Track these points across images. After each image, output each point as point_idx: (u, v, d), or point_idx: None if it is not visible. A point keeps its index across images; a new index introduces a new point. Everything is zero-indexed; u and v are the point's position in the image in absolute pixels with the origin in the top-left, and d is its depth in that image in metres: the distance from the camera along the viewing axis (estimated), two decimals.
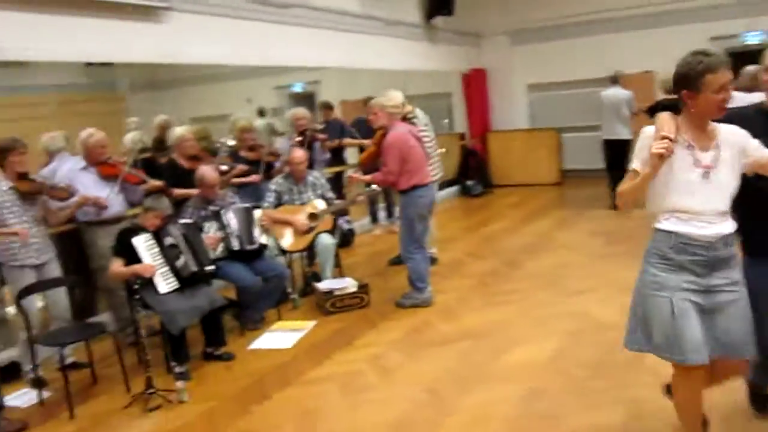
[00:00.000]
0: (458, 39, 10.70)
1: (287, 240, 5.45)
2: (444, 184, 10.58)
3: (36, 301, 4.30)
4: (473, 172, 10.97)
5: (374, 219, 8.40)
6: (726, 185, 2.39)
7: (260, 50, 6.84)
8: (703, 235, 2.37)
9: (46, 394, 4.07)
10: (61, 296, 4.35)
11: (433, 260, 6.34)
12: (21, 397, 4.08)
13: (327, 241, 5.48)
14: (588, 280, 5.35)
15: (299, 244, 5.49)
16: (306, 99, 12.51)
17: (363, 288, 5.30)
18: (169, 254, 4.28)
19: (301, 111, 6.70)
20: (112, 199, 4.78)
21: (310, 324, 5.00)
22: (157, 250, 4.28)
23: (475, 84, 11.13)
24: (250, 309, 4.98)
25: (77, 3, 5.02)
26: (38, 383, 4.10)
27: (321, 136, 6.55)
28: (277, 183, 5.58)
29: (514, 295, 5.30)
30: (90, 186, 4.77)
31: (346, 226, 7.51)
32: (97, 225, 4.75)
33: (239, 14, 6.38)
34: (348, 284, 5.30)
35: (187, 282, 4.30)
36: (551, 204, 9.29)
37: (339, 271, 5.91)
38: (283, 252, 5.51)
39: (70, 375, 4.05)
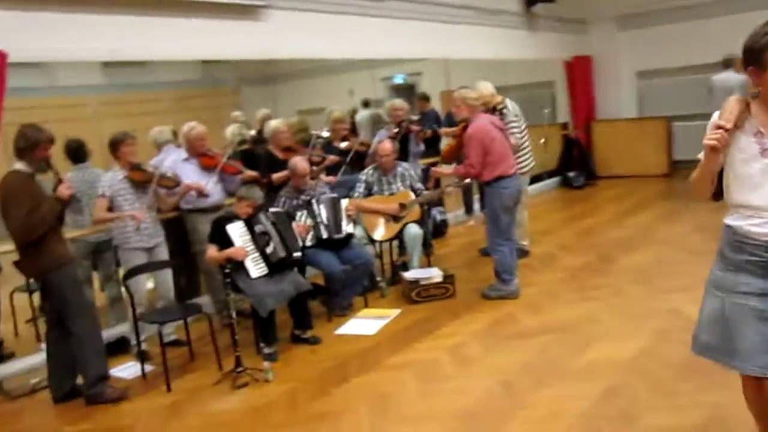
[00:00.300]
0: (561, 26, 10.41)
1: (377, 230, 5.58)
2: (544, 175, 10.43)
3: (145, 282, 4.68)
4: (576, 163, 10.66)
5: (468, 210, 8.38)
6: None
7: (357, 44, 7.02)
8: (762, 233, 2.16)
9: (148, 367, 4.42)
10: (165, 278, 4.71)
11: (524, 252, 6.29)
12: (126, 370, 4.47)
13: (414, 231, 5.55)
14: (683, 277, 5.08)
15: (387, 234, 5.60)
16: (406, 90, 12.64)
17: (449, 278, 5.34)
18: (259, 241, 4.51)
19: (399, 102, 6.78)
20: (211, 188, 5.10)
21: (394, 312, 5.11)
22: (248, 237, 4.52)
23: (578, 72, 10.78)
24: (338, 296, 5.15)
25: (183, 5, 5.38)
26: (142, 357, 4.48)
27: (415, 127, 6.62)
28: (367, 174, 5.71)
29: (604, 290, 5.16)
30: (191, 176, 5.12)
31: (439, 217, 7.55)
32: (198, 212, 5.08)
33: (336, 9, 6.57)
34: (434, 274, 5.35)
35: (276, 268, 4.52)
36: (656, 197, 8.86)
37: (428, 261, 5.99)
38: (372, 241, 5.64)
39: (170, 351, 4.43)
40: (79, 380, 4.08)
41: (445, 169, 5.52)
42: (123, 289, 4.97)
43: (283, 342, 4.66)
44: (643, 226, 7.18)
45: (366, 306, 5.31)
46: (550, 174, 10.48)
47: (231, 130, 6.47)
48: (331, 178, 5.87)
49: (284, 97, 15.13)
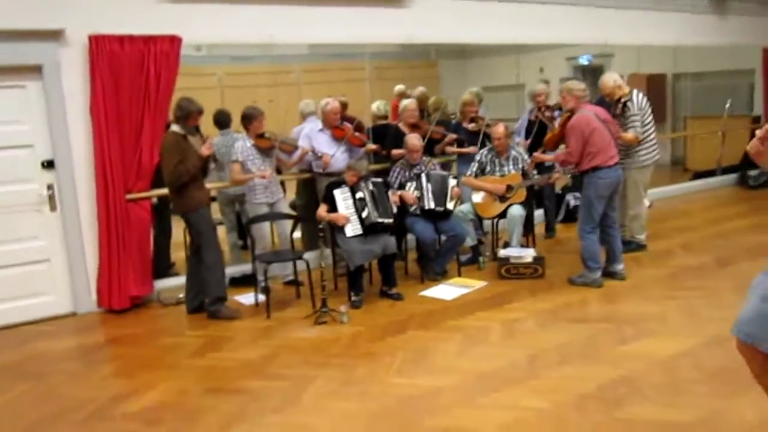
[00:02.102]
0: (761, 9, 9.55)
1: (484, 207, 6.01)
2: (718, 171, 9.80)
3: (267, 229, 5.66)
4: None
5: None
6: None
7: (500, 29, 7.37)
8: None
9: (263, 298, 5.42)
10: (284, 228, 5.65)
11: (639, 246, 6.29)
12: (247, 298, 5.50)
13: (516, 212, 5.88)
14: None
15: (492, 212, 6.01)
16: (594, 71, 12.40)
17: (539, 260, 5.63)
18: (358, 205, 5.25)
19: (541, 87, 7.01)
20: (338, 156, 5.92)
21: (479, 284, 5.56)
22: (351, 201, 5.28)
23: None
24: (432, 261, 5.73)
25: None
26: (257, 289, 5.49)
27: (548, 114, 6.83)
28: (482, 154, 6.14)
29: (695, 291, 5.10)
30: (324, 144, 5.99)
31: (573, 202, 7.67)
32: (326, 176, 5.93)
33: None
34: (527, 254, 5.67)
35: (369, 230, 5.23)
36: None
37: (527, 242, 6.29)
38: (478, 217, 6.09)
39: (285, 289, 5.52)
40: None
41: (547, 155, 5.75)
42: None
43: (373, 294, 5.38)
44: None
45: (459, 275, 5.82)
46: (728, 170, 9.79)
47: (375, 105, 7.17)
48: (472, 149, 6.36)
49: (476, 72, 15.55)
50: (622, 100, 5.94)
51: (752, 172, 9.60)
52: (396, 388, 3.73)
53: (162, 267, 5.98)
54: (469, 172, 6.09)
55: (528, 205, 6.33)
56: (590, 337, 4.33)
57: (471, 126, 6.64)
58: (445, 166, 6.72)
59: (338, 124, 6.03)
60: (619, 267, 5.49)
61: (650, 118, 6.10)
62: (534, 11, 7.57)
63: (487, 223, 6.39)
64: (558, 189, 7.70)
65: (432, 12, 6.74)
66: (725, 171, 9.79)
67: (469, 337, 4.45)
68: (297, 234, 6.66)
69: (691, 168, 10.78)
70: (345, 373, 3.98)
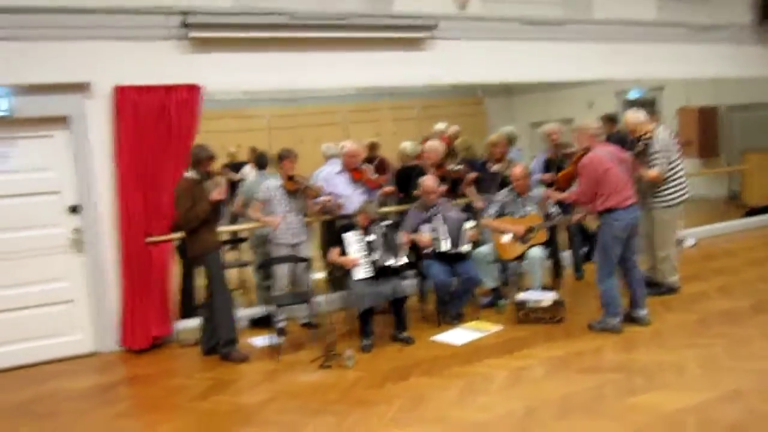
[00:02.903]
0: None
1: (504, 249, 5.88)
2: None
3: (284, 270, 5.70)
4: None
5: None
6: None
7: (519, 68, 7.30)
8: None
9: (277, 341, 5.45)
10: (300, 270, 5.69)
11: (671, 290, 6.01)
12: (260, 340, 5.54)
13: (537, 254, 5.73)
14: None
15: (513, 254, 5.87)
16: (646, 105, 12.07)
17: (558, 304, 5.45)
18: (368, 248, 5.24)
19: (552, 126, 6.85)
20: (356, 197, 5.95)
21: (494, 328, 5.42)
22: (362, 244, 5.28)
23: None
24: (448, 305, 5.64)
25: (364, 42, 6.34)
26: (280, 332, 5.54)
27: (566, 151, 6.63)
28: (503, 194, 6.04)
29: (723, 339, 4.81)
30: (341, 186, 6.05)
31: None
32: (345, 218, 5.96)
33: (502, 36, 6.95)
34: (546, 298, 5.50)
35: (381, 272, 5.20)
36: None
37: (553, 284, 6.11)
38: (499, 260, 5.96)
39: (301, 331, 5.62)
40: None
41: (559, 194, 5.61)
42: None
43: (385, 337, 5.33)
44: None
45: (478, 318, 5.69)
46: None
47: (405, 145, 7.12)
48: (479, 204, 6.32)
49: (523, 107, 15.46)
50: (645, 137, 5.74)
51: None
52: None
53: (188, 307, 6.12)
54: (488, 214, 5.99)
55: (553, 246, 6.19)
56: (596, 388, 4.13)
57: (495, 167, 6.55)
58: (469, 207, 6.63)
59: (356, 166, 6.07)
60: (642, 312, 5.25)
61: (677, 155, 5.86)
62: (562, 49, 7.46)
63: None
64: (594, 228, 7.47)
65: (450, 54, 6.75)
66: None
67: (470, 386, 4.33)
68: (321, 275, 6.74)
69: (748, 204, 10.27)
70: (337, 420, 3.94)
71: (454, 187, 6.41)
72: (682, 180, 5.88)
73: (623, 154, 5.23)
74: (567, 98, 13.22)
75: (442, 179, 6.11)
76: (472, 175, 6.37)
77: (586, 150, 5.16)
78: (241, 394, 4.51)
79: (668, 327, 5.19)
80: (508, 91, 15.66)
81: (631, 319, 5.26)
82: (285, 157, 5.67)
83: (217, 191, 5.06)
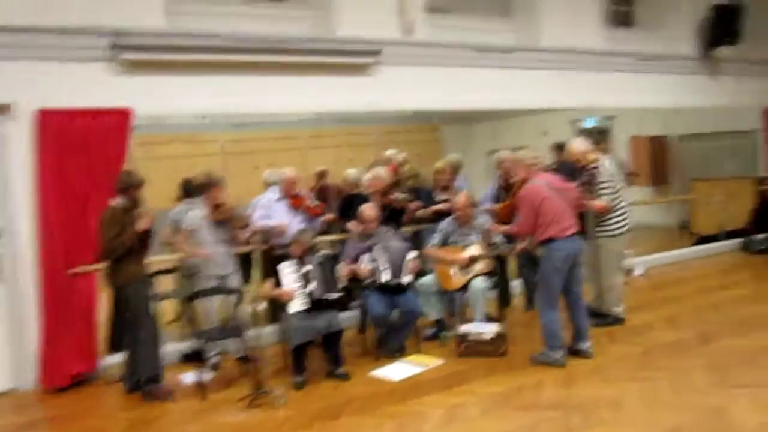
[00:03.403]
0: (758, 70, 9.27)
1: (447, 279, 5.71)
2: (722, 235, 9.35)
3: (212, 304, 5.43)
4: None
5: None
6: None
7: (479, 95, 7.23)
8: None
9: (208, 377, 5.17)
10: (213, 304, 5.41)
11: (616, 320, 5.91)
12: (190, 376, 5.22)
13: (479, 285, 5.58)
14: None
15: (455, 284, 5.70)
16: (599, 133, 12.16)
17: (500, 336, 5.28)
18: (303, 279, 5.02)
19: (504, 154, 6.73)
20: (295, 226, 5.73)
21: (435, 362, 5.23)
22: (297, 275, 5.06)
23: None
24: (388, 338, 5.43)
25: (305, 66, 6.17)
26: (213, 368, 5.29)
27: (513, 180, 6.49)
28: (446, 223, 5.88)
29: (664, 372, 4.69)
30: (281, 214, 5.84)
31: None
32: (283, 248, 5.73)
33: (449, 62, 6.88)
34: (488, 330, 5.34)
35: (316, 305, 4.98)
36: None
37: (502, 314, 5.96)
38: (442, 291, 5.78)
39: (236, 366, 5.27)
40: None
41: (501, 227, 5.49)
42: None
43: (321, 373, 5.09)
44: None
45: (419, 352, 5.49)
46: (733, 234, 9.32)
47: (351, 172, 6.92)
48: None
49: (479, 135, 15.49)
50: (587, 166, 5.68)
51: (757, 237, 9.11)
52: None
53: (118, 341, 5.77)
54: (432, 243, 5.84)
55: (500, 276, 6.05)
56: (532, 428, 3.95)
57: (441, 196, 6.41)
58: (417, 235, 6.47)
59: (296, 193, 5.87)
60: (585, 345, 5.11)
61: (620, 186, 5.80)
62: (511, 76, 7.42)
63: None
64: None
65: (394, 80, 6.63)
66: (729, 235, 9.32)
67: (402, 426, 4.11)
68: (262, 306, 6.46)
69: (697, 232, 10.34)
70: None
71: (398, 216, 6.25)
72: (625, 210, 5.81)
73: (563, 184, 5.14)
74: (521, 126, 13.29)
75: (385, 208, 5.94)
76: (415, 204, 6.22)
77: (524, 181, 5.06)
78: None
79: (611, 360, 5.06)
80: (464, 118, 15.69)
81: (574, 351, 5.12)
82: (213, 185, 5.43)
83: (144, 220, 4.80)
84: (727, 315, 6.06)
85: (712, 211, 9.77)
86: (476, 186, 12.11)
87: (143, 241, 4.90)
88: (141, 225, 4.77)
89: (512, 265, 6.86)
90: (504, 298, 6.80)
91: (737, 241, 9.31)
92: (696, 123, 10.92)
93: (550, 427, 3.93)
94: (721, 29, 8.49)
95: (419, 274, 6.06)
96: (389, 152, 7.95)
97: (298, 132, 13.88)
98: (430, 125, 15.76)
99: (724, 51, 8.81)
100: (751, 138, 10.21)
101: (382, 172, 6.31)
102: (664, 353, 5.12)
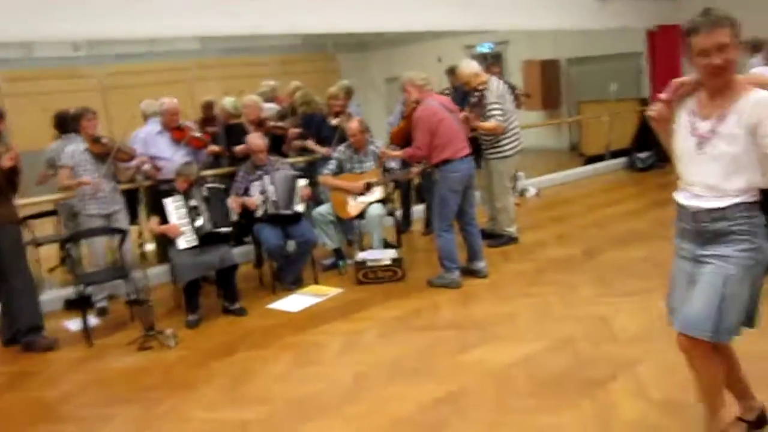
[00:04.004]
0: None
1: (344, 207, 5.61)
2: (607, 155, 9.75)
3: (100, 244, 5.11)
4: (652, 143, 9.77)
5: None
6: (721, 159, 2.19)
7: (370, 17, 6.97)
8: (689, 206, 2.31)
9: (96, 322, 4.89)
10: (99, 245, 5.09)
11: (511, 239, 6.04)
12: (74, 324, 4.91)
13: (375, 211, 5.50)
14: (653, 280, 4.58)
15: (351, 212, 5.61)
16: (493, 58, 12.22)
17: (397, 261, 5.28)
18: (191, 214, 4.77)
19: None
20: (179, 159, 5.40)
21: (333, 292, 5.18)
22: (184, 210, 4.80)
23: (663, 44, 9.79)
24: (284, 270, 5.31)
25: None
26: (100, 313, 5.01)
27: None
28: (339, 151, 5.73)
29: (554, 287, 4.85)
30: (163, 147, 5.48)
31: None
32: (167, 182, 5.41)
33: None
34: (385, 256, 5.32)
35: (205, 240, 4.76)
36: None
37: (400, 240, 5.97)
38: (339, 219, 5.68)
39: (125, 310, 4.98)
40: None
41: (394, 151, 5.42)
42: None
43: (217, 310, 4.93)
44: (666, 218, 6.52)
45: (316, 282, 5.42)
46: (618, 153, 9.72)
47: (227, 101, 6.59)
48: (326, 150, 5.97)
49: (376, 63, 15.27)
50: (480, 88, 5.65)
51: (640, 155, 9.55)
52: (197, 424, 3.31)
53: None
54: (326, 171, 5.68)
55: (404, 200, 6.01)
56: (430, 347, 3.99)
57: (335, 121, 6.24)
58: (311, 166, 6.29)
59: (178, 125, 5.51)
60: (480, 265, 5.20)
61: (511, 106, 5.83)
62: None
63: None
64: None
65: (284, 1, 6.26)
66: (614, 155, 9.72)
67: (301, 356, 4.05)
68: (151, 246, 6.18)
69: (586, 153, 10.74)
70: (147, 409, 3.52)
71: (277, 146, 6.05)
72: (516, 131, 5.87)
73: (453, 105, 5.09)
74: (417, 53, 13.18)
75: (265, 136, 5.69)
76: (296, 130, 6.02)
77: (417, 103, 4.96)
78: (43, 388, 3.96)
79: (505, 278, 5.18)
80: (360, 47, 15.40)
81: (470, 272, 5.21)
82: (81, 116, 5.03)
83: (6, 157, 4.35)
84: (610, 230, 6.34)
85: (599, 132, 10.13)
86: (375, 113, 12.00)
87: (10, 181, 4.46)
88: (3, 162, 4.33)
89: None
90: (406, 222, 6.84)
91: (622, 160, 9.71)
92: (584, 46, 11.19)
93: (446, 347, 3.98)
94: None
95: (316, 203, 5.95)
96: (266, 83, 7.70)
97: (184, 63, 13.17)
98: (325, 54, 15.37)
99: None
100: (635, 60, 10.56)
101: (256, 99, 6.04)
102: (554, 269, 5.30)
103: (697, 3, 7.68)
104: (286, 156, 6.12)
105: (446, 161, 4.87)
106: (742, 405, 2.61)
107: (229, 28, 6.14)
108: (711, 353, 2.32)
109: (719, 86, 2.19)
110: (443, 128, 4.82)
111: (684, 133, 2.30)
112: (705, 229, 2.27)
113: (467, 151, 4.96)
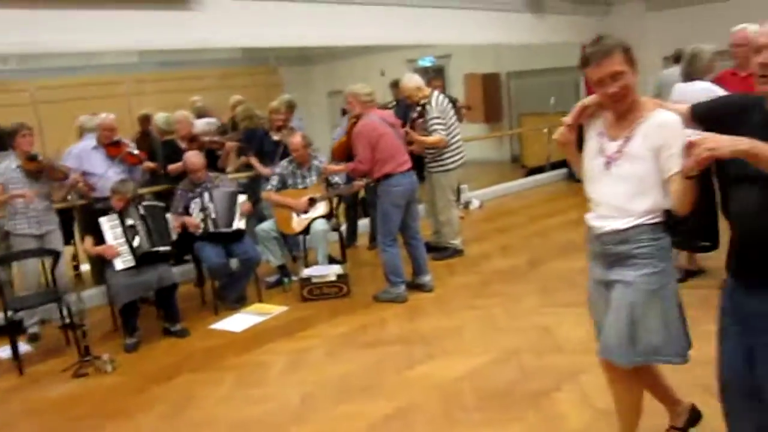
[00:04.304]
0: (579, 8, 9.78)
1: (288, 223, 5.52)
2: (547, 167, 9.96)
3: (32, 266, 4.86)
4: None
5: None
6: (627, 180, 2.18)
7: (312, 31, 6.94)
8: (596, 227, 2.30)
9: (29, 349, 4.66)
10: (31, 267, 4.86)
11: (456, 252, 6.07)
12: (3, 351, 4.67)
13: (319, 227, 5.44)
14: None
15: (295, 228, 5.54)
16: (435, 72, 12.34)
17: (342, 277, 5.23)
18: (128, 234, 4.61)
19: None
20: (114, 176, 5.21)
21: (277, 310, 5.08)
22: (120, 229, 4.63)
23: None
24: (226, 289, 5.19)
25: None
26: (32, 339, 4.77)
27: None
28: (282, 166, 5.65)
29: (499, 298, 4.89)
30: (97, 164, 5.29)
31: None
32: (102, 201, 5.22)
33: None
34: (330, 272, 5.26)
35: (143, 260, 4.60)
36: None
37: (345, 256, 5.92)
38: (282, 235, 5.60)
39: (60, 334, 4.74)
40: None
41: (336, 165, 5.40)
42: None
43: (158, 332, 4.76)
44: None
45: (260, 300, 5.31)
46: (555, 165, 9.93)
47: (159, 117, 6.40)
48: (267, 171, 5.88)
49: (320, 77, 15.23)
50: (422, 102, 5.68)
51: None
52: None
53: None
54: (269, 187, 5.59)
55: (350, 215, 5.96)
56: (377, 364, 3.95)
57: (277, 136, 6.16)
58: (254, 182, 6.18)
59: (113, 141, 5.34)
60: (426, 278, 5.20)
61: (453, 120, 5.87)
62: (344, 12, 7.16)
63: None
64: None
65: (222, 15, 6.15)
66: (554, 166, 9.93)
67: (244, 377, 3.95)
68: (86, 267, 5.96)
69: (527, 165, 10.93)
70: None
71: (214, 160, 5.95)
72: (459, 144, 5.91)
73: (394, 119, 5.10)
74: (360, 67, 13.19)
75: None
76: (233, 144, 5.93)
77: (358, 117, 4.94)
78: None
79: (451, 291, 5.20)
80: (303, 60, 15.32)
81: (415, 286, 5.20)
82: (16, 132, 4.80)
83: None
84: (553, 240, 6.45)
85: (539, 144, 10.33)
86: (319, 127, 11.94)
87: None
88: None
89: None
90: (351, 237, 6.80)
91: (562, 171, 9.91)
92: (524, 60, 11.42)
93: (394, 362, 3.94)
94: None
95: (259, 219, 5.86)
96: (195, 98, 7.64)
97: (121, 77, 12.84)
98: (267, 67, 15.22)
99: None
100: (573, 74, 10.82)
101: (186, 114, 5.92)
102: (499, 280, 5.34)
103: (629, 17, 7.98)
104: (223, 171, 5.99)
105: (388, 175, 4.85)
106: (671, 413, 2.66)
107: (169, 42, 6.01)
108: (630, 376, 2.36)
109: (622, 110, 2.19)
110: (383, 143, 4.81)
111: (592, 154, 2.29)
112: (609, 252, 2.27)
113: (409, 165, 4.96)
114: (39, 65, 11.93)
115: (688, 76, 4.44)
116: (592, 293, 2.45)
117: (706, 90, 4.11)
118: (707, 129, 1.97)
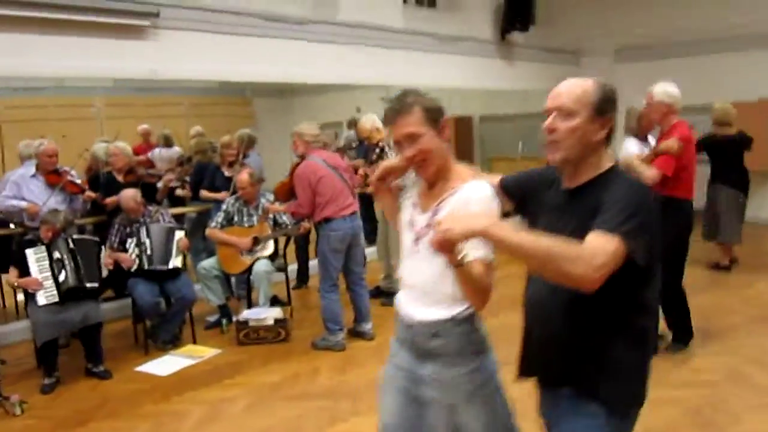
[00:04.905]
0: (550, 56, 9.84)
1: (231, 262, 5.37)
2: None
3: None
4: None
5: None
6: (433, 258, 1.77)
7: (271, 67, 6.87)
8: (404, 313, 2.00)
9: None
10: None
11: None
12: None
13: (262, 267, 5.28)
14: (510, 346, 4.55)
15: (238, 267, 5.38)
16: None
17: (280, 322, 5.06)
18: (54, 267, 4.43)
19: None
20: (53, 205, 5.04)
21: (210, 353, 4.90)
22: (46, 262, 4.45)
23: None
24: (159, 328, 5.01)
25: (71, 25, 5.39)
26: None
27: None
28: (228, 203, 5.51)
29: None
30: (36, 192, 5.13)
31: None
32: (35, 230, 5.03)
33: (237, 30, 6.43)
34: (268, 315, 5.09)
35: (68, 296, 4.41)
36: None
37: (289, 298, 5.77)
38: (225, 274, 5.44)
39: None
40: None
41: (279, 206, 5.28)
42: None
43: (80, 372, 4.55)
44: None
45: (194, 342, 5.12)
46: None
47: (99, 147, 6.23)
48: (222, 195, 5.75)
49: (295, 110, 15.18)
50: (380, 144, 5.59)
51: None
52: None
53: None
54: (213, 224, 5.44)
55: (301, 255, 5.86)
56: (298, 419, 3.78)
57: (228, 172, 6.04)
58: (202, 216, 6.04)
59: (54, 168, 5.18)
60: (367, 327, 5.05)
61: None
62: (305, 48, 7.10)
63: None
64: None
65: (177, 46, 6.07)
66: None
67: (156, 428, 3.75)
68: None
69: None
70: None
71: (152, 193, 5.80)
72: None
73: (339, 161, 5.00)
74: (336, 102, 13.15)
75: (135, 186, 5.37)
76: (169, 177, 5.80)
77: (303, 158, 4.84)
78: None
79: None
80: (279, 92, 15.27)
81: (356, 333, 5.05)
82: None
83: None
84: (508, 290, 6.30)
85: None
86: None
87: None
88: None
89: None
90: (302, 278, 6.64)
91: None
92: (494, 105, 11.46)
93: (315, 419, 3.78)
94: (514, 15, 8.84)
95: (209, 254, 5.71)
96: (142, 126, 7.61)
97: (92, 100, 12.68)
98: (241, 98, 15.15)
99: (517, 36, 9.18)
100: (540, 120, 10.88)
101: (124, 146, 5.77)
102: None
103: (600, 63, 8.00)
104: (159, 204, 5.82)
105: (327, 219, 4.73)
106: None
107: (122, 71, 5.91)
108: None
109: (431, 178, 1.93)
110: (323, 186, 4.69)
111: (405, 226, 2.03)
112: (418, 345, 1.97)
113: (353, 209, 4.85)
114: (4, 84, 11.78)
115: (626, 132, 4.47)
116: (388, 377, 2.09)
117: (629, 146, 4.37)
118: (517, 202, 1.90)
